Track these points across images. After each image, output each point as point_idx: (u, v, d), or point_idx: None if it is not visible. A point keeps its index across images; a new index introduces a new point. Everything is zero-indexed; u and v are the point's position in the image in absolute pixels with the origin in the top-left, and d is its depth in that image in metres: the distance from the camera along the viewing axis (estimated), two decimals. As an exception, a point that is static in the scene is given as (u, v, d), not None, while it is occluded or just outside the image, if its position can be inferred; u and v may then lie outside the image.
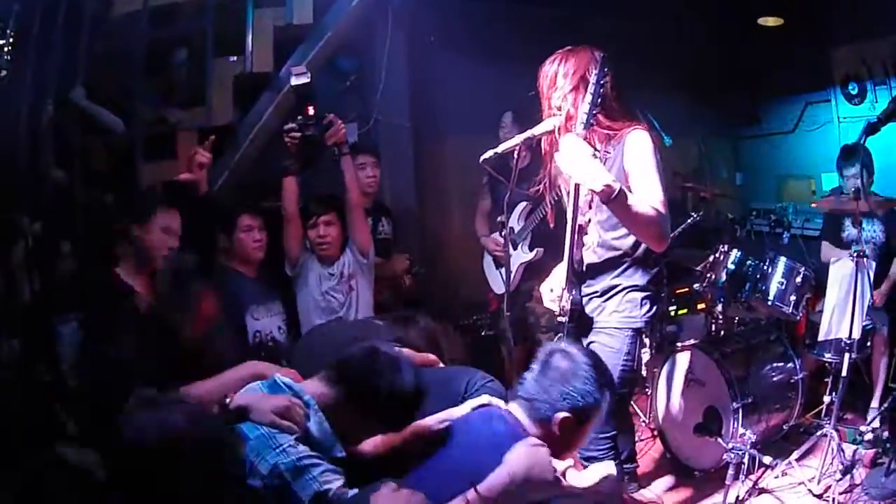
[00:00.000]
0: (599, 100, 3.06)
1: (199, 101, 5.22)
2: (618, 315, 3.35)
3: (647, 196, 3.09)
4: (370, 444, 2.68)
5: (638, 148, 3.21)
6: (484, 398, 2.85)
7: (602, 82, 3.05)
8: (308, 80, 4.23)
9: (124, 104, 5.25)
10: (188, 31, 5.45)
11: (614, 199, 2.94)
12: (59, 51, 5.12)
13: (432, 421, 2.78)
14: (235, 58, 5.19)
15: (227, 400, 2.42)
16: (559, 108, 3.25)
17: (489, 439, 2.54)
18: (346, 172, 4.47)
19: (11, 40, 5.00)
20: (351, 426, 2.48)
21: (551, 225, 3.68)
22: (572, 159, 2.95)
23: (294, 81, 4.25)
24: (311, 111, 4.26)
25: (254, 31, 5.14)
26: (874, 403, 5.17)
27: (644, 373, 5.37)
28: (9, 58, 5.00)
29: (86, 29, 5.23)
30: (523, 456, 2.38)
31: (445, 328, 3.65)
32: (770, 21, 7.13)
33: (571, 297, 3.34)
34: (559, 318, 3.41)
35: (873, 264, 4.57)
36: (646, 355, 5.15)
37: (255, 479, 2.20)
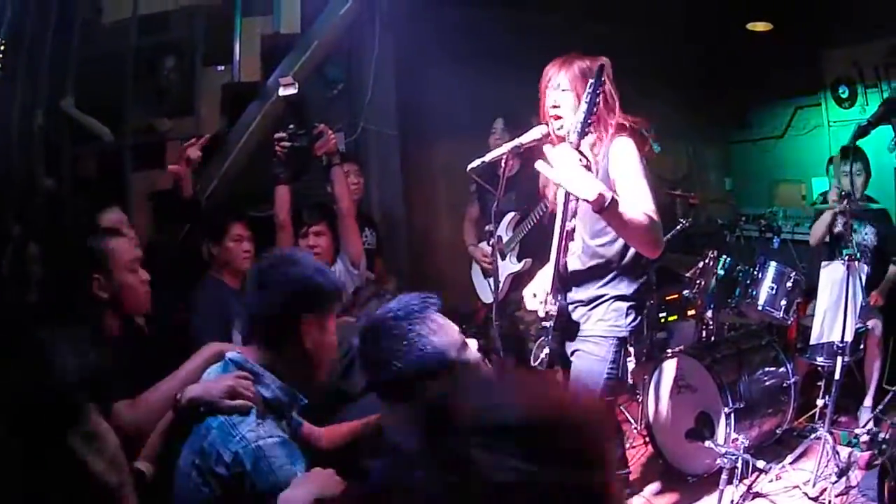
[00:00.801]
0: (595, 108, 3.04)
1: (188, 110, 5.20)
2: (603, 324, 3.34)
3: (638, 204, 3.07)
4: (332, 440, 2.71)
5: (623, 156, 3.19)
6: None
7: (598, 92, 3.03)
8: (296, 90, 4.23)
9: (113, 113, 5.25)
10: (177, 40, 5.45)
11: (607, 209, 2.90)
12: (49, 59, 5.11)
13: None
14: (223, 67, 5.18)
15: (178, 396, 2.41)
16: (556, 115, 3.25)
17: None
18: (336, 183, 4.42)
19: (2, 49, 5.00)
20: (294, 359, 2.48)
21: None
22: (563, 169, 2.92)
23: (282, 92, 4.25)
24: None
25: (241, 41, 5.14)
26: (867, 402, 5.17)
27: (632, 379, 5.37)
28: (1, 66, 5.00)
29: (75, 38, 5.23)
30: None
31: None
32: (759, 26, 7.15)
33: (557, 304, 3.34)
34: (544, 324, 3.41)
35: (865, 267, 4.57)
36: (631, 364, 5.14)
37: (221, 468, 2.21)
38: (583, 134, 3.05)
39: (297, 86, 4.21)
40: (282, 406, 2.44)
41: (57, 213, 5.07)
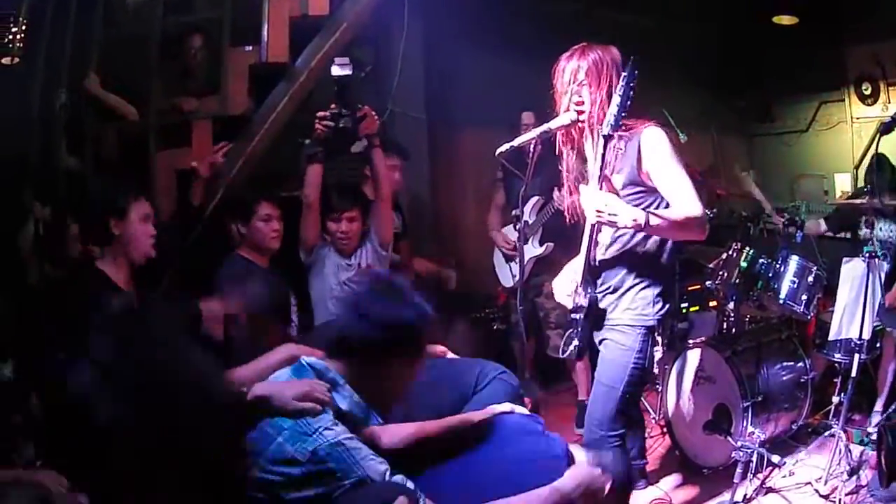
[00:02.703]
0: (629, 101, 3.06)
1: (214, 90, 5.20)
2: (630, 312, 3.35)
3: (678, 193, 3.13)
4: (395, 437, 2.70)
5: (655, 146, 3.20)
6: (506, 406, 2.94)
7: (631, 85, 3.04)
8: (350, 71, 4.24)
9: (139, 92, 5.26)
10: (203, 19, 5.46)
11: (644, 227, 3.04)
12: (72, 38, 5.12)
13: (456, 420, 2.84)
14: (251, 47, 5.17)
15: (245, 390, 2.39)
16: (579, 104, 3.25)
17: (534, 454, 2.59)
18: (377, 165, 4.49)
19: (24, 27, 5.00)
20: (378, 387, 2.52)
21: (568, 221, 3.64)
22: (598, 209, 3.05)
23: (336, 71, 4.26)
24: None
25: (269, 21, 5.13)
26: (877, 407, 5.14)
27: (655, 370, 5.38)
28: (21, 45, 5.01)
29: (99, 16, 5.23)
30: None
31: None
32: (785, 20, 7.14)
33: (588, 295, 3.35)
34: (573, 315, 3.42)
35: (885, 265, 4.55)
36: (658, 353, 5.15)
37: (295, 467, 2.21)
38: (616, 127, 3.08)
39: (351, 66, 4.22)
40: (355, 420, 2.44)
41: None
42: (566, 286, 3.54)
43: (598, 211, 3.06)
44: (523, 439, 2.69)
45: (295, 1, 5.22)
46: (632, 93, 3.05)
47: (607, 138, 3.08)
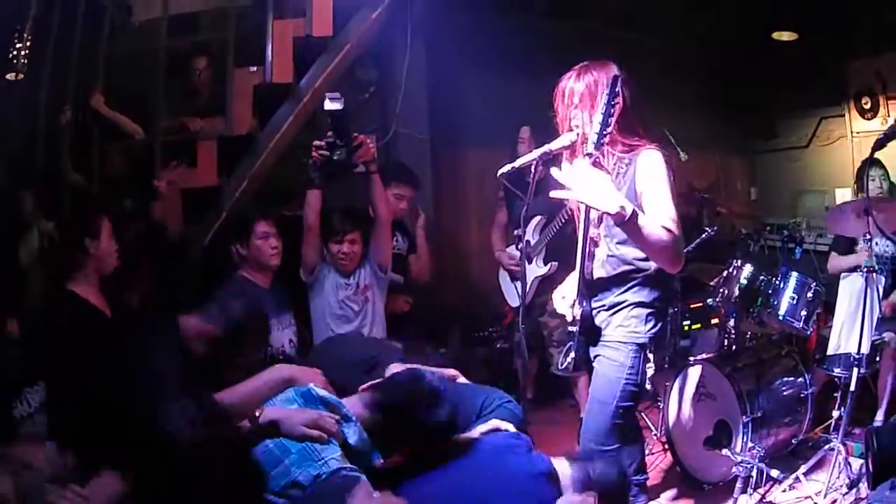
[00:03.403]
0: (611, 118, 3.07)
1: (219, 110, 5.25)
2: (622, 329, 3.36)
3: (660, 216, 3.09)
4: None
5: (650, 168, 3.21)
6: (493, 423, 3.01)
7: (614, 101, 3.03)
8: (342, 105, 4.26)
9: (144, 111, 5.30)
10: (208, 40, 5.52)
11: (627, 221, 2.95)
12: (78, 55, 5.16)
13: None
14: (255, 68, 5.22)
15: (257, 413, 2.42)
16: (578, 125, 3.28)
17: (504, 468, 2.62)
18: (375, 190, 4.60)
19: (29, 44, 5.05)
20: (385, 445, 2.56)
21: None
22: (582, 185, 2.95)
23: (328, 106, 4.27)
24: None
25: (274, 42, 5.17)
26: (878, 416, 5.16)
27: (654, 387, 5.40)
28: (26, 61, 5.05)
29: (104, 33, 5.27)
30: None
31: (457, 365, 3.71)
32: (785, 36, 7.17)
33: (582, 309, 3.38)
34: (570, 328, 3.45)
35: (882, 279, 4.58)
36: (650, 370, 5.15)
37: (297, 490, 2.24)
38: (599, 145, 3.07)
39: (343, 101, 4.25)
40: (360, 456, 2.47)
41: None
42: (566, 297, 3.54)
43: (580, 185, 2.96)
44: (505, 458, 2.72)
45: (299, 22, 5.27)
46: (613, 109, 3.04)
47: (591, 156, 3.08)
